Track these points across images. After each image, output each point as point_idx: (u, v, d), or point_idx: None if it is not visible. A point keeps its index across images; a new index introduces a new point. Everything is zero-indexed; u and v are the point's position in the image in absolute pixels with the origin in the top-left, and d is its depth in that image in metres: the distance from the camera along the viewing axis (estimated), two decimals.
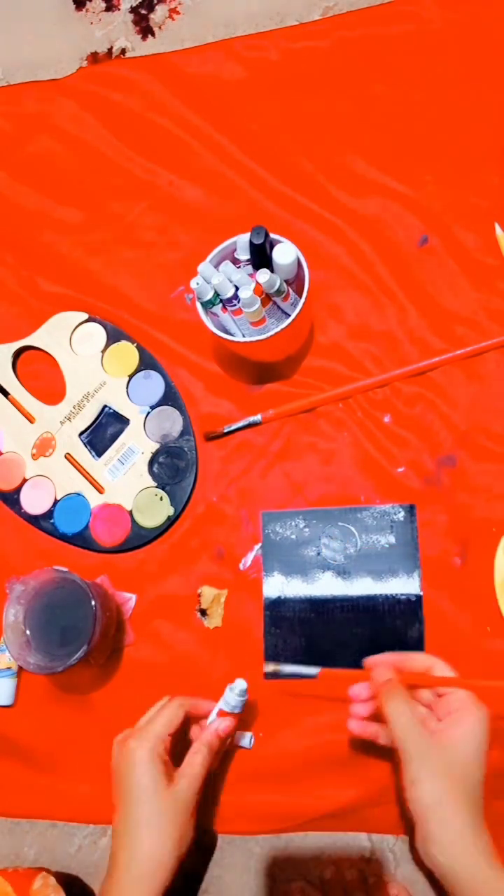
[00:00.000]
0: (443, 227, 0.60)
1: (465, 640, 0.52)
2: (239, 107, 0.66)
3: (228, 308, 0.53)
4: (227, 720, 0.49)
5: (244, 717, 0.52)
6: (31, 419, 0.62)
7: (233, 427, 0.59)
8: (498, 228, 0.59)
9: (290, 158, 0.64)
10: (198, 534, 0.58)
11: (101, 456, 0.60)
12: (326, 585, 0.55)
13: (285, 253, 0.51)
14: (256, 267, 0.53)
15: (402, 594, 0.54)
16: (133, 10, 0.71)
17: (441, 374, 0.57)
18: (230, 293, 0.51)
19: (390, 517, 0.56)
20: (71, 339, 0.63)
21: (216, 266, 0.52)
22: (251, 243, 0.51)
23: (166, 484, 0.59)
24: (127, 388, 0.62)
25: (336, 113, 0.64)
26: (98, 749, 0.49)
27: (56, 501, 0.60)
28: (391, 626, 0.53)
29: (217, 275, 0.51)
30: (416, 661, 0.47)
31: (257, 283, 0.51)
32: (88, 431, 0.61)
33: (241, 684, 0.48)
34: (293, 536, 0.56)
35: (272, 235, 0.52)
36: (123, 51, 0.70)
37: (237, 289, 0.51)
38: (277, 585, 0.56)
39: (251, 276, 0.52)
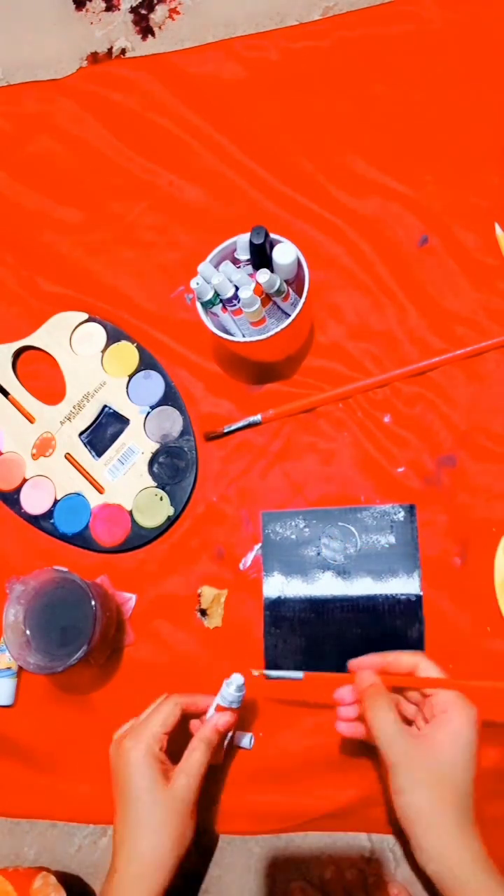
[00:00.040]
0: (443, 227, 0.60)
1: (465, 640, 0.52)
2: (239, 107, 0.66)
3: (228, 308, 0.53)
4: (225, 715, 0.48)
5: (244, 717, 0.53)
6: (31, 419, 0.62)
7: (233, 427, 0.59)
8: (498, 228, 0.59)
9: (290, 158, 0.64)
10: (198, 534, 0.58)
11: (101, 456, 0.60)
12: (326, 585, 0.55)
13: (285, 253, 0.51)
14: (256, 267, 0.53)
15: (402, 594, 0.54)
16: (133, 10, 0.71)
17: (441, 374, 0.57)
18: (230, 293, 0.51)
19: (390, 517, 0.56)
20: (71, 339, 0.63)
21: (216, 266, 0.52)
22: (251, 243, 0.51)
23: (166, 484, 0.59)
24: (127, 388, 0.62)
25: (336, 113, 0.64)
26: (98, 749, 0.49)
27: (56, 501, 0.60)
28: (391, 626, 0.53)
29: (217, 275, 0.51)
30: (400, 661, 0.47)
31: (257, 283, 0.51)
32: (88, 431, 0.61)
33: (237, 679, 0.48)
34: (293, 536, 0.56)
35: (272, 235, 0.52)
36: (123, 51, 0.70)
37: (237, 289, 0.51)
38: (277, 585, 0.56)
39: (251, 276, 0.52)
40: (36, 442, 0.62)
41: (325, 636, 0.54)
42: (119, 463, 0.60)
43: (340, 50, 0.65)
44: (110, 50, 0.70)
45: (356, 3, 0.66)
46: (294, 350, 0.59)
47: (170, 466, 0.59)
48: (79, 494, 0.60)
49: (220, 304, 0.53)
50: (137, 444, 0.60)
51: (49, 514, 0.60)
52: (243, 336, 0.54)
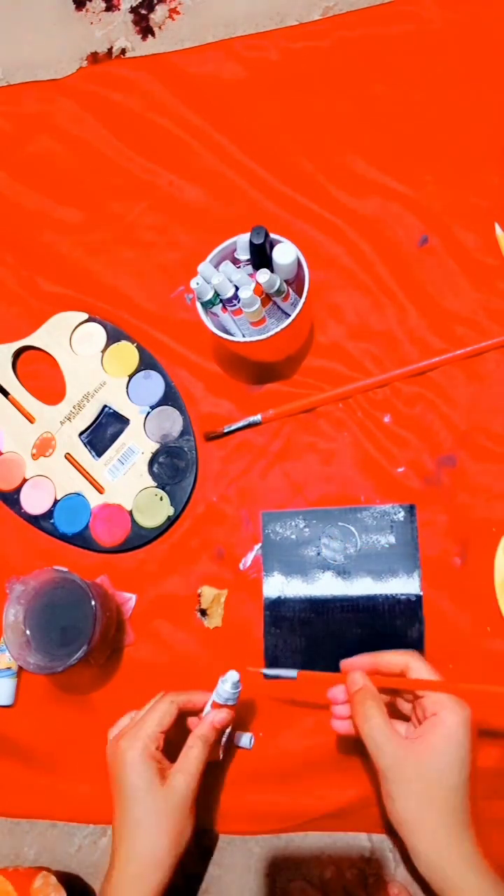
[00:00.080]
0: (443, 227, 0.60)
1: (465, 640, 0.52)
2: (239, 107, 0.66)
3: (228, 308, 0.53)
4: (222, 712, 0.48)
5: (244, 716, 0.53)
6: (31, 419, 0.62)
7: (233, 427, 0.59)
8: (498, 228, 0.59)
9: (290, 158, 0.64)
10: (198, 534, 0.58)
11: (101, 456, 0.60)
12: (326, 585, 0.55)
13: (285, 253, 0.51)
14: (256, 267, 0.53)
15: (402, 594, 0.54)
16: (133, 10, 0.71)
17: (441, 374, 0.57)
18: (230, 293, 0.51)
19: (390, 517, 0.56)
20: (71, 339, 0.63)
21: (216, 266, 0.52)
22: (251, 243, 0.51)
23: (166, 484, 0.59)
24: (127, 388, 0.62)
25: (336, 113, 0.64)
26: (98, 749, 0.49)
27: (56, 501, 0.60)
28: (391, 626, 0.53)
29: (217, 275, 0.51)
30: (391, 660, 0.46)
31: (257, 283, 0.51)
32: (88, 431, 0.61)
33: (232, 676, 0.47)
34: (293, 536, 0.56)
35: (272, 235, 0.52)
36: (123, 51, 0.70)
37: (237, 289, 0.51)
38: (277, 585, 0.56)
39: (251, 276, 0.52)
40: (36, 442, 0.62)
41: (325, 636, 0.54)
42: (119, 463, 0.60)
43: (340, 50, 0.65)
44: (110, 50, 0.70)
45: (356, 3, 0.66)
46: (294, 350, 0.59)
47: (170, 466, 0.59)
48: (79, 494, 0.60)
49: (220, 304, 0.53)
50: (137, 444, 0.60)
51: (49, 514, 0.60)
52: (243, 336, 0.54)
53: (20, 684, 0.57)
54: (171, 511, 0.58)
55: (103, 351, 0.63)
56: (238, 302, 0.52)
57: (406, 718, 0.47)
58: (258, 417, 0.59)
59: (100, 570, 0.58)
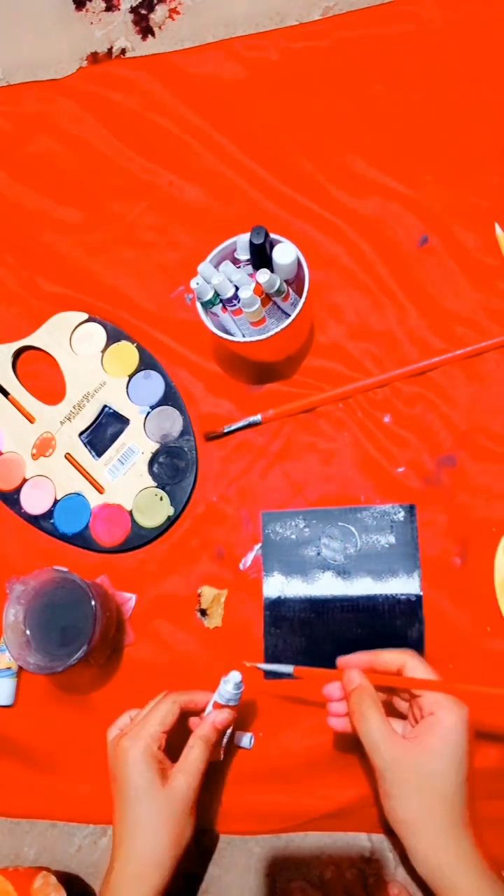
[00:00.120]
0: (443, 227, 0.60)
1: (465, 640, 0.52)
2: (239, 107, 0.66)
3: (228, 308, 0.53)
4: (223, 712, 0.48)
5: (244, 716, 0.53)
6: (31, 419, 0.62)
7: (233, 427, 0.59)
8: (498, 228, 0.59)
9: (290, 158, 0.64)
10: (198, 534, 0.58)
11: (101, 456, 0.60)
12: (326, 585, 0.55)
13: (285, 253, 0.51)
14: (256, 267, 0.53)
15: (402, 594, 0.54)
16: (133, 10, 0.71)
17: (441, 374, 0.57)
18: (230, 293, 0.51)
19: (390, 517, 0.56)
20: (71, 339, 0.63)
21: (216, 266, 0.52)
22: (251, 243, 0.51)
23: (166, 484, 0.59)
24: (127, 388, 0.62)
25: (336, 113, 0.64)
26: (98, 749, 0.49)
27: (56, 501, 0.60)
28: (391, 626, 0.53)
29: (217, 275, 0.51)
30: (388, 659, 0.46)
31: (257, 283, 0.51)
32: (88, 431, 0.61)
33: (235, 676, 0.47)
34: (293, 536, 0.56)
35: (272, 235, 0.52)
36: (123, 51, 0.70)
37: (237, 289, 0.51)
38: (277, 585, 0.56)
39: (251, 276, 0.52)
40: (36, 442, 0.62)
41: (325, 636, 0.54)
42: (119, 463, 0.60)
43: (340, 50, 0.65)
44: (110, 50, 0.70)
45: (356, 3, 0.66)
46: (294, 350, 0.59)
47: (170, 466, 0.59)
48: (79, 494, 0.60)
49: (220, 304, 0.53)
50: (137, 444, 0.60)
51: (49, 514, 0.60)
52: (243, 336, 0.54)
53: (20, 684, 0.57)
54: (171, 511, 0.58)
55: (103, 351, 0.63)
56: (238, 302, 0.52)
57: (403, 716, 0.47)
58: (258, 417, 0.59)
59: (100, 570, 0.58)
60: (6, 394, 0.63)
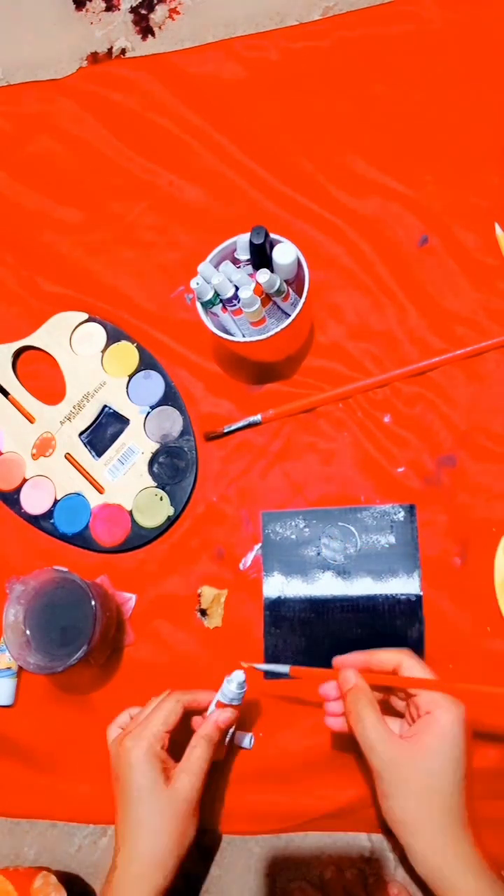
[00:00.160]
0: (443, 227, 0.60)
1: (465, 640, 0.52)
2: (239, 107, 0.66)
3: (228, 308, 0.53)
4: (226, 711, 0.48)
5: (244, 716, 0.52)
6: (31, 419, 0.62)
7: (233, 427, 0.59)
8: (498, 228, 0.59)
9: (290, 158, 0.64)
10: (198, 534, 0.58)
11: (101, 456, 0.60)
12: (326, 585, 0.55)
13: (285, 253, 0.51)
14: (256, 267, 0.53)
15: (402, 594, 0.54)
16: (133, 10, 0.71)
17: (441, 374, 0.57)
18: (230, 293, 0.51)
19: (390, 517, 0.56)
20: (71, 339, 0.63)
21: (216, 266, 0.52)
22: (251, 243, 0.51)
23: (166, 484, 0.59)
24: (127, 388, 0.62)
25: (336, 113, 0.64)
26: (98, 749, 0.49)
27: (56, 501, 0.60)
28: (391, 626, 0.53)
29: (217, 275, 0.51)
30: (384, 658, 0.46)
31: (257, 283, 0.51)
32: (88, 431, 0.61)
33: (238, 676, 0.47)
34: (293, 536, 0.56)
35: (272, 235, 0.52)
36: (123, 51, 0.70)
37: (237, 289, 0.51)
38: (277, 585, 0.56)
39: (251, 276, 0.52)
40: (36, 442, 0.62)
41: (325, 636, 0.54)
42: (119, 463, 0.60)
43: (340, 50, 0.65)
44: (110, 50, 0.70)
45: (356, 3, 0.66)
46: (294, 350, 0.59)
47: (170, 466, 0.59)
48: (79, 494, 0.60)
49: (220, 304, 0.53)
50: (137, 444, 0.60)
51: (49, 514, 0.60)
52: (243, 336, 0.54)
53: (20, 684, 0.57)
54: (171, 511, 0.58)
55: (103, 351, 0.63)
56: (238, 302, 0.52)
57: (400, 715, 0.47)
58: (258, 417, 0.59)
59: (100, 570, 0.58)
60: (6, 394, 0.63)
